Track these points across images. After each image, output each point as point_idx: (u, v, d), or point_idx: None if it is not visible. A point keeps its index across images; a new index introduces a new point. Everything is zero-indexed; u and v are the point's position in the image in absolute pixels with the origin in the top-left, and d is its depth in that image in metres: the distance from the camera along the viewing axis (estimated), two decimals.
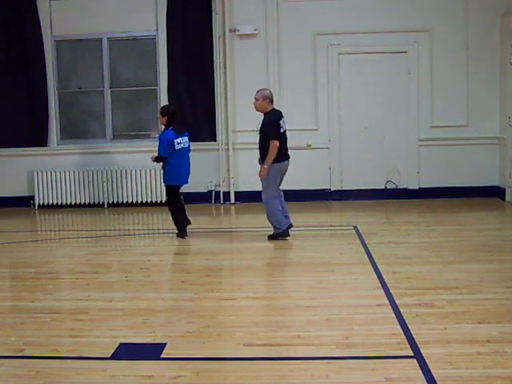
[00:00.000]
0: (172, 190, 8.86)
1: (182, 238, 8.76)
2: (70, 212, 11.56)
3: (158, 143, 8.76)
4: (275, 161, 8.34)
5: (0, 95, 11.95)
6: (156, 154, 8.71)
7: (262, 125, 8.42)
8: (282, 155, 8.44)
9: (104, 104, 12.21)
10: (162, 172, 8.99)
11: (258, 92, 8.41)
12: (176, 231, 8.94)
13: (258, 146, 8.59)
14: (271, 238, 8.51)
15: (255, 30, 11.63)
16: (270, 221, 8.52)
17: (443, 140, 11.67)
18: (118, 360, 4.58)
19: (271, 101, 8.42)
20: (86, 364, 4.53)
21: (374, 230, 9.15)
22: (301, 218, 10.40)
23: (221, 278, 7.09)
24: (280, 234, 8.46)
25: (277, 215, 8.45)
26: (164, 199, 11.79)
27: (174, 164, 8.69)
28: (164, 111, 8.82)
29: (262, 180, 8.48)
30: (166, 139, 8.63)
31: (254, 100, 8.41)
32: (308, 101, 11.74)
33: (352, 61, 11.72)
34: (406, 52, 11.65)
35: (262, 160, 8.44)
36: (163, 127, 8.90)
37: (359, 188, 11.84)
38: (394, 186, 11.90)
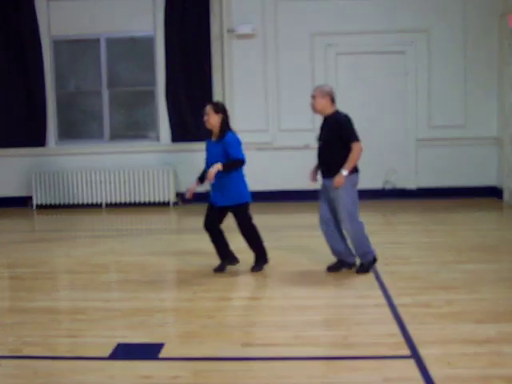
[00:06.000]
0: (248, 208, 7.05)
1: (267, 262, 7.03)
2: (68, 212, 11.55)
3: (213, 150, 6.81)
4: (355, 169, 6.63)
5: None
6: (218, 165, 6.54)
7: (324, 128, 6.73)
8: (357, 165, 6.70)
9: (102, 104, 12.21)
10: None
11: (315, 88, 6.80)
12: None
13: (318, 156, 6.83)
14: (361, 269, 6.72)
15: (253, 30, 11.63)
16: (355, 249, 6.74)
17: (441, 140, 11.69)
18: (116, 360, 4.58)
19: (333, 100, 6.69)
20: (84, 364, 4.52)
21: (372, 230, 9.11)
22: (299, 219, 10.41)
23: (219, 278, 7.08)
24: (372, 261, 6.78)
25: (363, 239, 6.69)
26: (163, 199, 11.83)
27: (242, 174, 6.93)
28: (218, 106, 6.83)
29: (335, 199, 6.63)
30: (238, 137, 6.80)
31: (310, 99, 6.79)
32: (306, 101, 11.57)
33: (350, 61, 11.73)
34: (403, 52, 11.66)
35: (326, 175, 6.74)
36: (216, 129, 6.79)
37: (357, 188, 11.81)
38: (391, 186, 11.91)
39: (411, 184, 11.88)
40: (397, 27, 11.53)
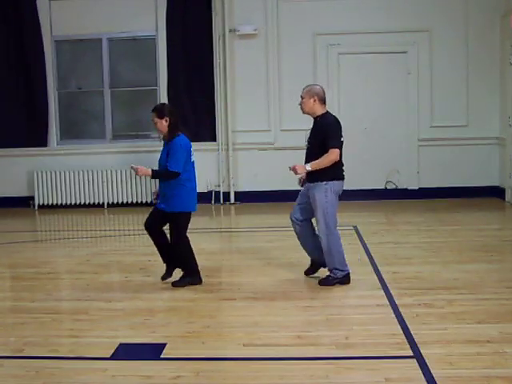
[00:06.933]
0: (186, 219, 6.58)
1: (197, 283, 6.53)
2: (70, 212, 11.56)
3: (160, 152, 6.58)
4: (334, 176, 6.44)
5: (0, 95, 11.95)
6: (149, 171, 6.42)
7: (313, 130, 6.46)
8: (341, 171, 6.57)
9: (104, 104, 12.21)
10: (155, 195, 6.71)
11: (304, 88, 6.45)
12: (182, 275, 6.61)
13: (306, 160, 6.45)
14: (325, 282, 6.39)
15: (255, 30, 11.63)
16: (328, 260, 6.42)
17: (443, 140, 11.68)
18: (118, 360, 4.58)
19: (322, 100, 6.37)
20: (86, 364, 4.52)
21: (374, 230, 9.16)
22: None
23: (220, 278, 7.09)
24: (340, 279, 6.38)
25: (337, 255, 6.38)
26: None
27: (188, 183, 6.50)
28: (161, 111, 6.45)
29: (315, 209, 6.38)
30: (183, 144, 6.38)
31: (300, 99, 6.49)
32: None
33: (352, 61, 11.72)
34: (405, 52, 11.66)
35: (308, 178, 6.46)
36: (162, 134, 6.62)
37: (359, 188, 11.83)
38: (393, 186, 11.90)
39: (413, 184, 11.88)
40: (399, 27, 11.52)
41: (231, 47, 11.77)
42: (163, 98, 11.88)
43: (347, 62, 11.73)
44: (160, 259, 6.66)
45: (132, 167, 6.49)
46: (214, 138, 11.93)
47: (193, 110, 11.84)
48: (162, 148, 6.66)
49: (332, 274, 6.39)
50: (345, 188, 12.23)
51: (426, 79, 11.67)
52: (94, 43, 12.14)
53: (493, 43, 11.47)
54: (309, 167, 6.23)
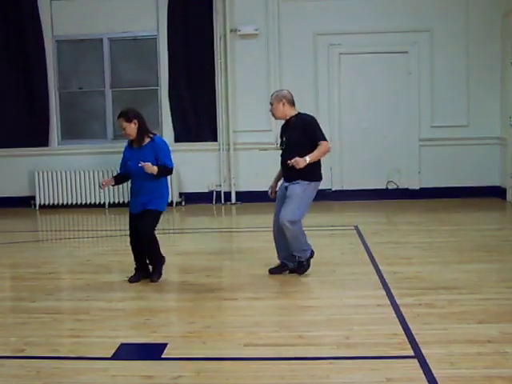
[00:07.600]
0: (160, 216, 6.73)
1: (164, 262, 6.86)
2: (71, 212, 11.56)
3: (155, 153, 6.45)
4: (317, 177, 6.61)
5: (1, 95, 11.97)
6: (155, 168, 6.33)
7: (288, 131, 6.56)
8: (320, 172, 6.71)
9: (105, 104, 12.21)
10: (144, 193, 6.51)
11: (272, 95, 6.69)
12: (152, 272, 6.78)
13: (283, 162, 6.58)
14: (302, 270, 6.69)
15: (256, 30, 11.64)
16: (293, 248, 6.61)
17: (444, 140, 11.68)
18: (119, 360, 4.58)
19: (291, 102, 6.54)
20: (87, 364, 4.52)
21: (375, 230, 9.16)
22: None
23: (221, 278, 7.09)
24: (310, 256, 6.77)
25: (302, 238, 6.62)
26: None
27: (167, 182, 6.80)
28: (128, 115, 6.42)
29: (290, 197, 6.44)
30: (167, 144, 6.66)
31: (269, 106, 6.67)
32: (308, 101, 11.68)
33: (353, 61, 11.72)
34: (406, 52, 11.67)
35: (289, 178, 6.56)
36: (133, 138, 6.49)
37: (360, 188, 11.84)
38: (394, 186, 11.90)
39: (414, 184, 11.88)
40: (400, 27, 11.52)
41: (232, 47, 11.77)
42: (164, 97, 11.90)
43: (348, 62, 11.73)
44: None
45: (139, 164, 6.39)
46: (215, 138, 11.93)
47: (194, 109, 11.85)
48: (123, 154, 6.66)
49: (302, 259, 6.64)
50: (346, 188, 12.36)
51: (426, 79, 11.67)
52: (95, 43, 12.14)
53: (493, 43, 11.47)
54: (308, 159, 6.31)
